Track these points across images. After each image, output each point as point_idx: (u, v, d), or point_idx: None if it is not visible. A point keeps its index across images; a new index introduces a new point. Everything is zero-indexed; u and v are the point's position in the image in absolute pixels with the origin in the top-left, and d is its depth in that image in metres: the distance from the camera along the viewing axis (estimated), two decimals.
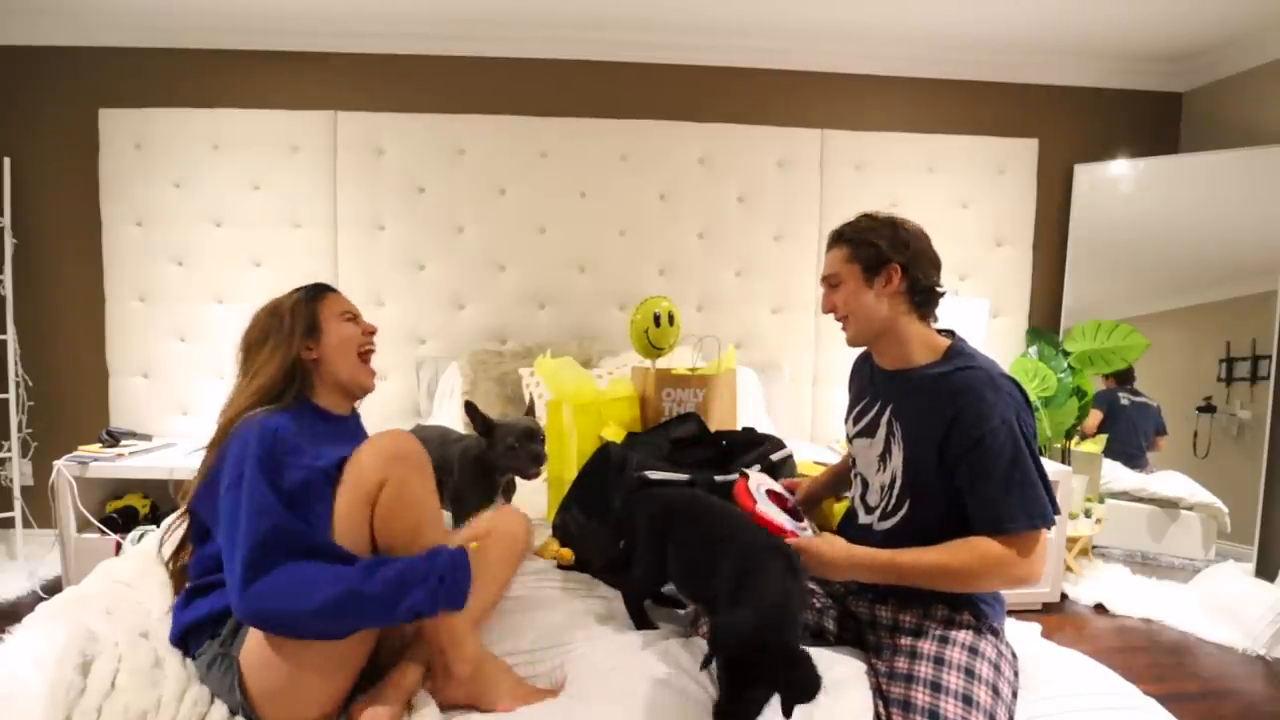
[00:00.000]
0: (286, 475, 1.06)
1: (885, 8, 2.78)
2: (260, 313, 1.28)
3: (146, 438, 2.81)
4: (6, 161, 2.82)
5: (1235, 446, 2.91)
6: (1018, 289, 3.31)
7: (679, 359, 2.54)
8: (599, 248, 3.13)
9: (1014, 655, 1.18)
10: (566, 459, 1.84)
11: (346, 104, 3.01)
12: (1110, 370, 3.07)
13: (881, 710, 1.05)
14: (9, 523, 2.85)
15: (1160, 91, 3.33)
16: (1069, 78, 3.27)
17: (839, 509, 1.67)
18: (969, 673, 1.06)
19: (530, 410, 1.68)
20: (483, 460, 1.55)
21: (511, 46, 3.04)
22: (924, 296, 1.28)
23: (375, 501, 1.07)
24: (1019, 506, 1.10)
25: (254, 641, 1.01)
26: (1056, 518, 1.13)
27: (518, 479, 1.76)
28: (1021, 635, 1.31)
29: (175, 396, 3.02)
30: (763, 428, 2.03)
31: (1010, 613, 1.27)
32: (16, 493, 2.82)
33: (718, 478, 1.60)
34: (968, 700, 1.02)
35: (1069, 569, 2.81)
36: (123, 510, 2.61)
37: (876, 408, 1.32)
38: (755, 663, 0.96)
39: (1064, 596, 2.70)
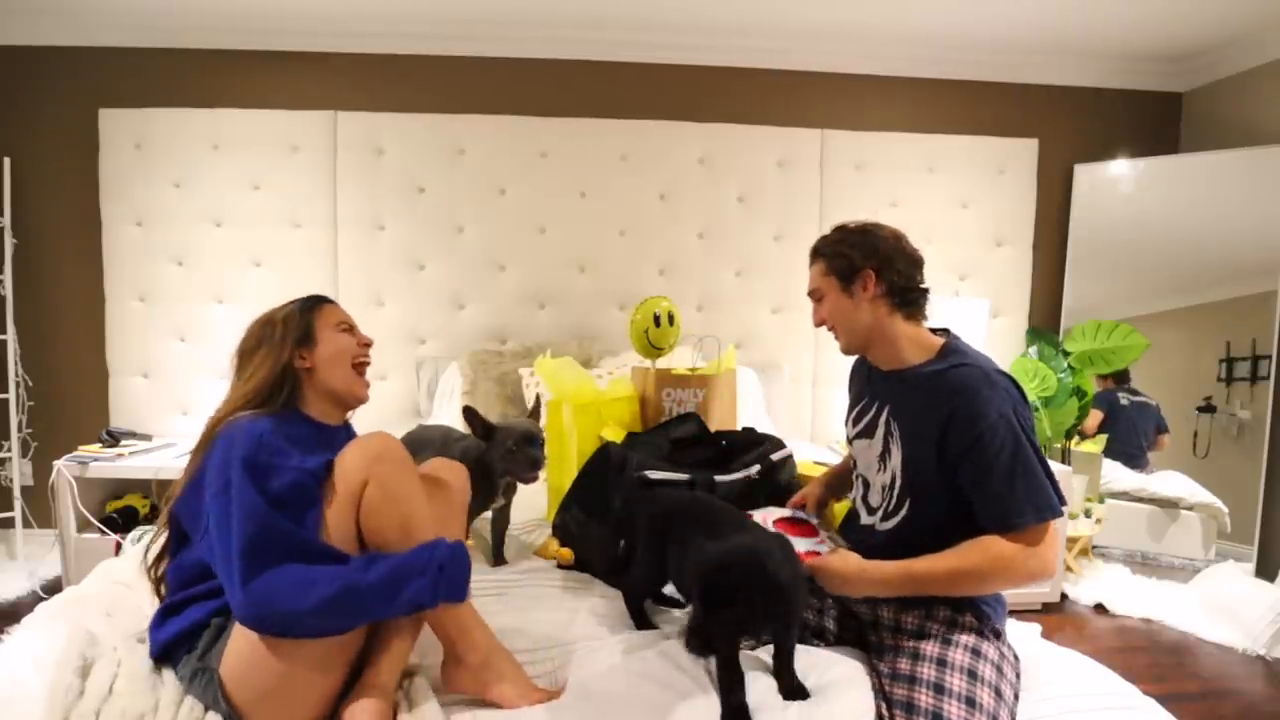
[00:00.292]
0: (273, 478, 1.05)
1: (885, 8, 2.77)
2: (256, 322, 1.28)
3: (146, 438, 2.81)
4: (6, 161, 2.82)
5: (1235, 446, 2.91)
6: (1018, 289, 3.31)
7: (679, 359, 2.54)
8: (599, 248, 3.13)
9: (1015, 657, 1.18)
10: (566, 459, 1.84)
11: (346, 104, 3.01)
12: (1110, 370, 3.07)
13: (884, 711, 1.05)
14: (9, 523, 2.85)
15: (1160, 91, 3.33)
16: (1069, 78, 3.27)
17: (840, 510, 1.67)
18: (972, 674, 1.06)
19: (535, 411, 1.67)
20: (483, 462, 1.55)
21: (511, 46, 3.04)
22: (906, 297, 1.29)
23: (360, 502, 1.08)
24: (1025, 500, 1.10)
25: (232, 653, 1.00)
26: (1064, 509, 1.13)
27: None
28: (1022, 636, 1.31)
29: (175, 396, 3.02)
30: (763, 428, 2.03)
31: (1010, 613, 1.27)
32: (16, 493, 2.82)
33: (718, 477, 1.60)
34: (971, 702, 1.02)
35: (1069, 569, 2.81)
36: (123, 510, 2.62)
37: (874, 408, 1.32)
38: (732, 586, 0.96)
39: (1064, 596, 2.70)
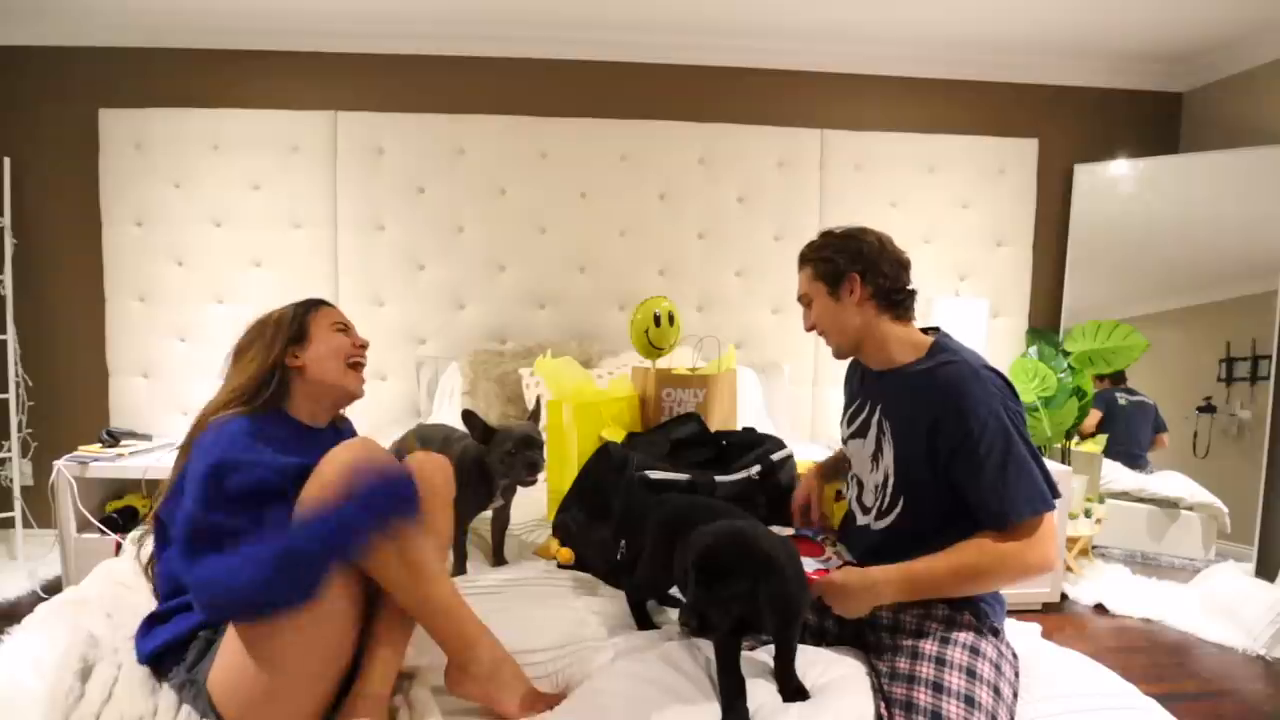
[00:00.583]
0: (237, 475, 1.04)
1: (886, 8, 2.77)
2: (253, 322, 1.29)
3: (146, 438, 2.81)
4: (6, 161, 2.82)
5: (1235, 446, 2.91)
6: (1018, 289, 3.31)
7: (679, 359, 2.54)
8: (599, 248, 3.13)
9: (1014, 655, 1.18)
10: (566, 460, 1.84)
11: (346, 104, 3.01)
12: (1110, 370, 3.07)
13: (883, 711, 1.05)
14: (9, 523, 2.85)
15: (1160, 91, 3.33)
16: (1069, 78, 3.27)
17: (839, 509, 1.67)
18: (970, 673, 1.06)
19: (535, 414, 1.67)
20: (481, 463, 1.55)
21: (511, 46, 3.04)
22: (892, 298, 1.30)
23: None
24: (1018, 495, 1.11)
25: (219, 667, 0.99)
26: (1057, 501, 1.13)
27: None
28: (1021, 635, 1.31)
29: (175, 396, 3.01)
30: (763, 428, 2.03)
31: (1010, 613, 1.27)
32: (16, 493, 2.83)
33: (718, 478, 1.60)
34: (969, 701, 1.02)
35: (1069, 569, 2.81)
36: (123, 510, 2.62)
37: (867, 408, 1.34)
38: (725, 561, 0.96)
39: (1064, 596, 2.70)
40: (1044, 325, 3.30)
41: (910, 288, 1.32)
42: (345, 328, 1.31)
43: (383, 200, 3.03)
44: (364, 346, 1.32)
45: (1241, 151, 2.92)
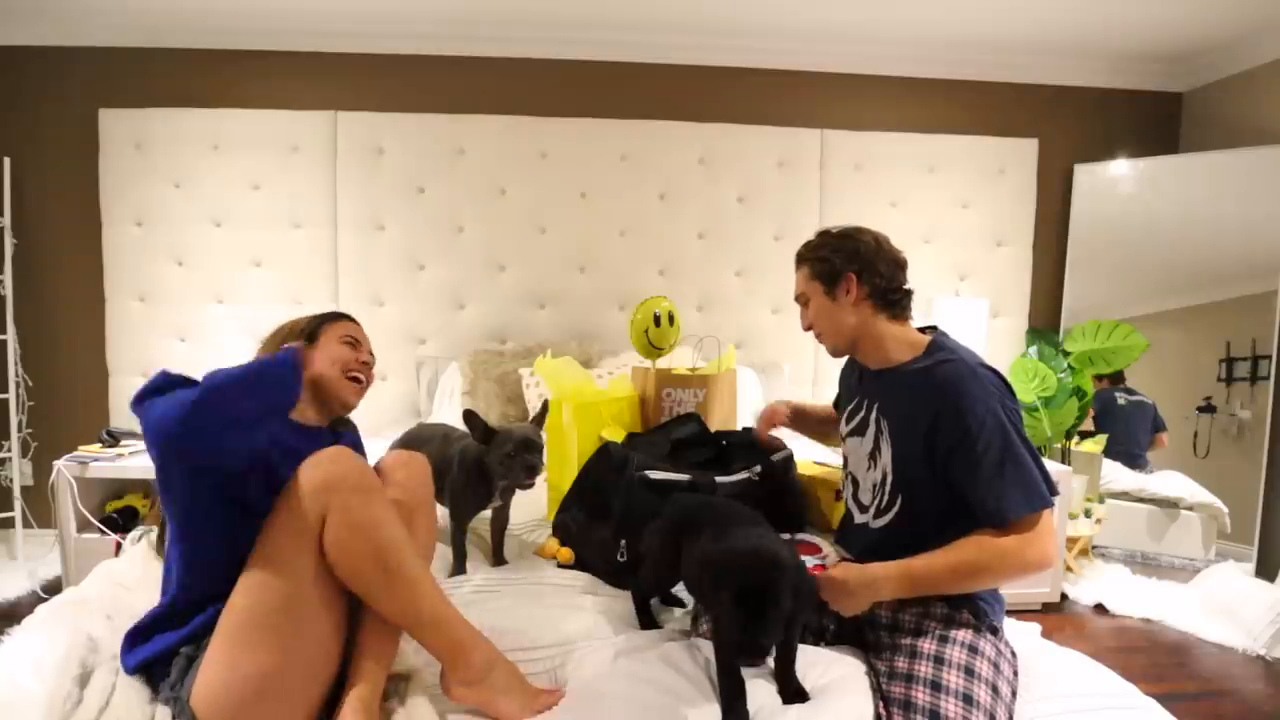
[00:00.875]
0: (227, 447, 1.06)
1: (886, 8, 2.77)
2: (277, 325, 1.37)
3: None
4: (6, 161, 2.83)
5: (1235, 446, 2.91)
6: (1018, 289, 3.31)
7: (679, 359, 2.54)
8: (599, 248, 3.13)
9: (1013, 654, 1.18)
10: (566, 460, 1.84)
11: (346, 104, 3.01)
12: (1110, 370, 3.07)
13: (882, 710, 1.05)
14: (9, 523, 2.85)
15: (1160, 91, 3.33)
16: (1069, 78, 3.27)
17: (839, 509, 1.68)
18: (969, 671, 1.06)
19: (540, 417, 1.66)
20: (481, 462, 1.55)
21: (511, 46, 3.04)
22: (889, 298, 1.30)
23: (322, 539, 1.01)
24: (1016, 492, 1.11)
25: (202, 684, 0.98)
26: (1055, 499, 1.13)
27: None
28: (1021, 635, 1.31)
29: None
30: None
31: (1010, 612, 1.27)
32: (16, 493, 2.83)
33: (719, 478, 1.60)
34: (968, 699, 1.02)
35: (1069, 569, 2.81)
36: (123, 510, 2.61)
37: (865, 407, 1.34)
38: (774, 593, 0.97)
39: (1064, 596, 2.70)
40: (1044, 325, 3.30)
41: (907, 287, 1.32)
42: (355, 343, 1.34)
43: (383, 200, 3.03)
44: (367, 364, 1.35)
45: (1241, 151, 2.92)
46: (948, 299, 3.07)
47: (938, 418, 1.16)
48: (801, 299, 1.39)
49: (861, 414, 1.35)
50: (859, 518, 1.34)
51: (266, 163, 2.98)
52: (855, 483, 1.37)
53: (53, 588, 2.55)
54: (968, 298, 3.15)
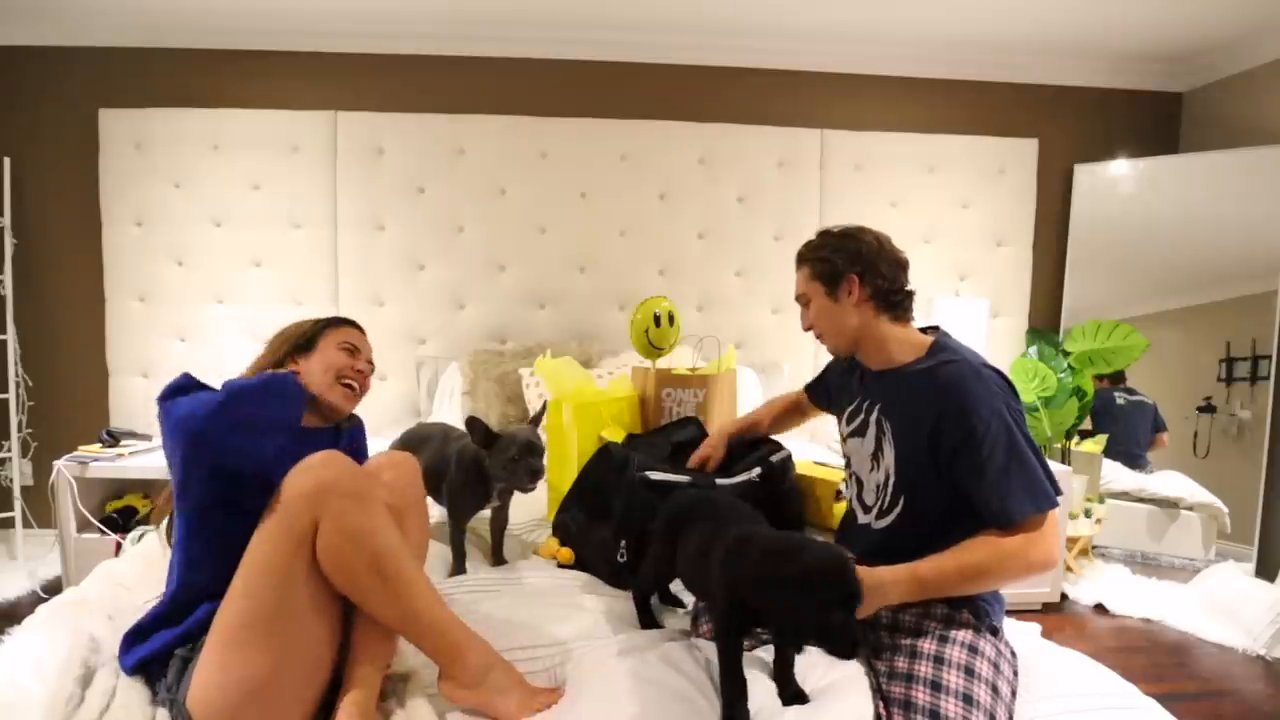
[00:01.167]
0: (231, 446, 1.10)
1: (886, 8, 2.78)
2: (284, 326, 1.40)
3: (146, 438, 2.81)
4: (6, 161, 2.83)
5: (1235, 446, 2.91)
6: (1018, 289, 3.31)
7: (679, 359, 2.54)
8: (599, 248, 3.13)
9: (1013, 654, 1.18)
10: (566, 460, 1.84)
11: (346, 104, 3.01)
12: (1110, 370, 3.07)
13: (882, 710, 1.04)
14: (9, 523, 2.85)
15: (1160, 91, 3.33)
16: (1069, 78, 3.27)
17: (839, 509, 1.68)
18: (969, 671, 1.06)
19: (537, 418, 1.66)
20: (479, 464, 1.55)
21: (511, 46, 3.04)
22: (891, 299, 1.30)
23: (315, 545, 1.01)
24: (1022, 493, 1.11)
25: (198, 686, 0.99)
26: (1060, 497, 1.13)
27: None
28: (1021, 635, 1.31)
29: None
30: None
31: (1010, 612, 1.27)
32: (16, 493, 2.83)
33: (719, 480, 1.60)
34: (968, 699, 1.02)
35: (1069, 569, 2.81)
36: (123, 510, 2.61)
37: (866, 407, 1.34)
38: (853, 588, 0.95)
39: (1064, 596, 2.70)
40: (1044, 325, 3.30)
41: (909, 288, 1.32)
42: (353, 350, 1.35)
43: (383, 200, 3.03)
44: (362, 372, 1.36)
45: (1241, 151, 2.92)
46: (948, 299, 3.07)
47: (941, 418, 1.16)
48: (802, 299, 1.39)
49: (862, 415, 1.34)
50: (861, 518, 1.34)
51: (266, 163, 2.98)
52: (860, 483, 1.36)
53: (53, 588, 2.55)
54: (968, 298, 3.15)
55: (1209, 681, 2.15)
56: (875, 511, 1.30)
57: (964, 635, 1.13)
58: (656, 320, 2.02)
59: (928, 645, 1.11)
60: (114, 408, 3.00)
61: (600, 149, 3.09)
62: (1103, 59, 3.21)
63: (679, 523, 1.23)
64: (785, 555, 0.97)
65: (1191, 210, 3.04)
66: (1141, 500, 3.02)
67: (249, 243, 3.01)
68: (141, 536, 2.23)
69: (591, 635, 1.23)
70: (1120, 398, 3.16)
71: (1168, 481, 3.02)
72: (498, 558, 1.64)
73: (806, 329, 1.40)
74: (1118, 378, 3.15)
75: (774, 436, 1.78)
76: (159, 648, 1.06)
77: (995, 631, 1.18)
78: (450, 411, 2.72)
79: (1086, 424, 3.14)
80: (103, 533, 2.47)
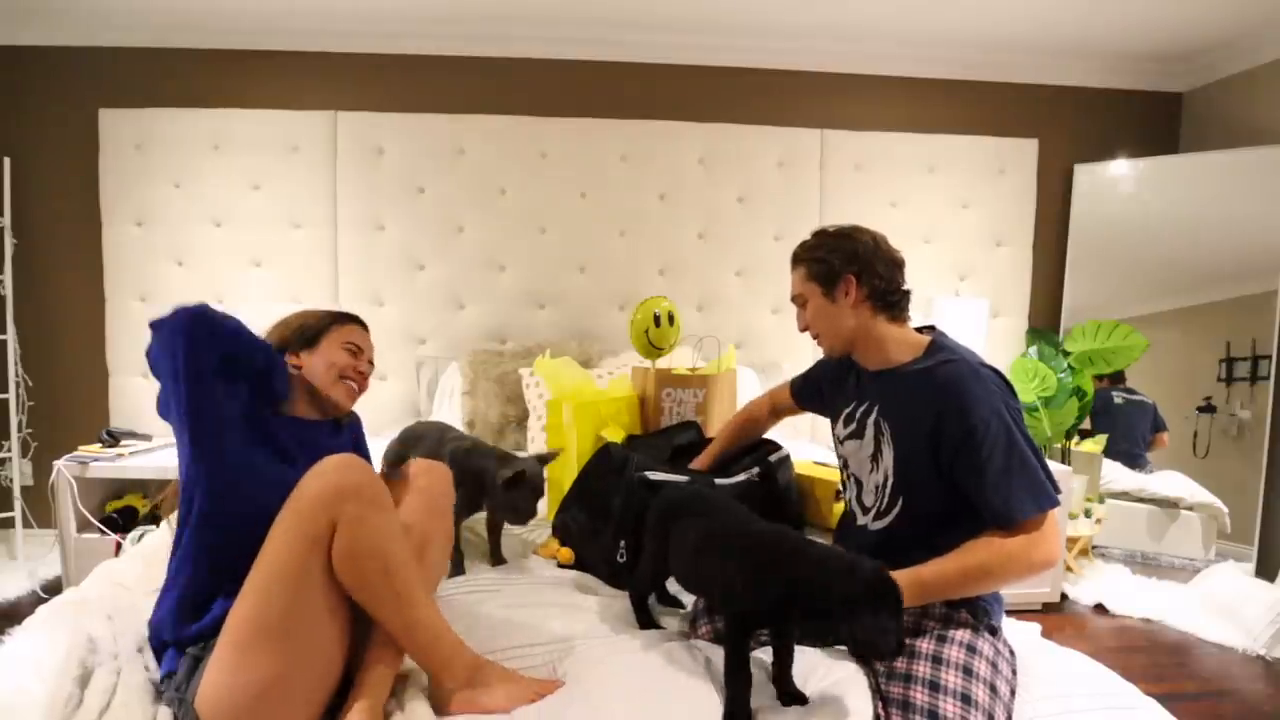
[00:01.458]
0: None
1: (885, 8, 2.78)
2: (300, 309, 1.40)
3: (146, 438, 2.81)
4: (6, 161, 2.83)
5: (1235, 446, 2.91)
6: (1018, 289, 3.31)
7: (679, 359, 2.54)
8: (599, 248, 3.13)
9: (1012, 654, 1.18)
10: (567, 460, 1.84)
11: (346, 104, 3.01)
12: (1110, 370, 3.07)
13: (880, 710, 1.04)
14: (9, 523, 2.85)
15: (1160, 91, 3.33)
16: (1069, 78, 3.27)
17: (838, 509, 1.68)
18: (967, 671, 1.06)
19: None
20: (470, 465, 1.54)
21: (511, 46, 3.04)
22: (888, 299, 1.30)
23: (330, 546, 1.02)
24: (1023, 493, 1.11)
25: (207, 685, 0.99)
26: (1060, 496, 1.13)
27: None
28: (1021, 635, 1.31)
29: None
30: None
31: (1010, 612, 1.27)
32: (16, 493, 2.83)
33: (718, 481, 1.60)
34: (966, 699, 1.02)
35: (1069, 569, 2.81)
36: (123, 510, 2.61)
37: (864, 409, 1.33)
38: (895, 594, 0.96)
39: (1064, 596, 2.70)
40: (1044, 325, 3.30)
41: (905, 288, 1.31)
42: (357, 349, 1.36)
43: (383, 200, 3.03)
44: (363, 373, 1.37)
45: (1241, 151, 2.92)
46: (948, 299, 3.07)
47: (940, 419, 1.16)
48: (799, 300, 1.38)
49: (860, 416, 1.34)
50: (860, 519, 1.34)
51: (266, 163, 2.98)
52: (859, 485, 1.36)
53: (53, 588, 2.55)
54: (968, 298, 3.15)
55: (1209, 681, 2.15)
56: (874, 513, 1.30)
57: (962, 635, 1.13)
58: (656, 320, 2.03)
59: (926, 645, 1.11)
60: (114, 408, 3.00)
61: (600, 149, 3.09)
62: (1102, 59, 3.21)
63: (670, 518, 1.23)
64: (845, 571, 0.97)
65: (1191, 210, 3.04)
66: (1141, 500, 3.02)
67: (249, 243, 3.01)
68: (141, 536, 2.23)
69: (591, 634, 1.23)
70: (1120, 398, 3.16)
71: (1168, 481, 3.02)
72: (497, 558, 1.64)
73: (803, 329, 1.39)
74: (1117, 378, 3.15)
75: (771, 436, 1.77)
76: (221, 615, 1.04)
77: (994, 631, 1.18)
78: (450, 411, 2.72)
79: (1086, 424, 3.14)
80: (103, 533, 2.47)
